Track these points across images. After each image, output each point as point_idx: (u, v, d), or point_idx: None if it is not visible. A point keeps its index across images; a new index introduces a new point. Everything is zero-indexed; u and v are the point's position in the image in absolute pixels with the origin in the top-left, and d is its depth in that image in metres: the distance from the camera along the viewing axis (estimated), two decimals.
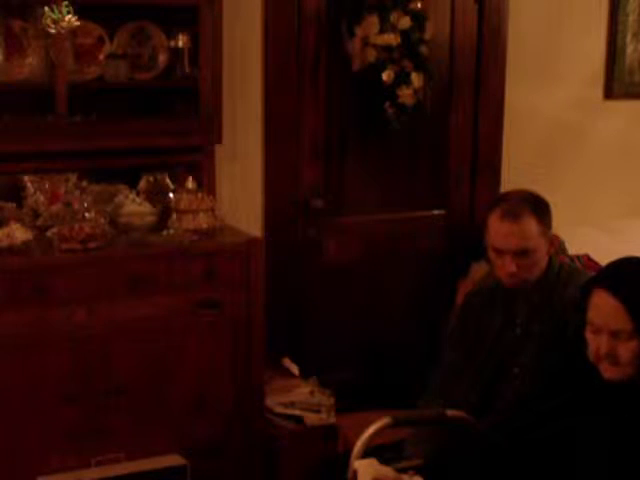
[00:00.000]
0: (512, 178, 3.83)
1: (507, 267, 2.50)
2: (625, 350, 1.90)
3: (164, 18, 3.19)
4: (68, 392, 2.82)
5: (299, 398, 3.30)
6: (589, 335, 1.96)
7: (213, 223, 3.06)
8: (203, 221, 3.02)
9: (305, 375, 3.47)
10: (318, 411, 3.29)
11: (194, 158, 3.25)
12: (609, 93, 4.12)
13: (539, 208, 2.53)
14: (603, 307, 1.92)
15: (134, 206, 3.05)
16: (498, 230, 2.51)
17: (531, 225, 2.49)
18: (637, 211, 4.17)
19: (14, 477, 2.80)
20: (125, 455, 2.90)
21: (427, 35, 3.54)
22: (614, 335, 1.91)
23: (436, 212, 3.91)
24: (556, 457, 1.99)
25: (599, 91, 4.12)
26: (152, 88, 3.27)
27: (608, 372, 1.94)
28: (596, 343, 1.94)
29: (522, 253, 2.49)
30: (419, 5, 3.50)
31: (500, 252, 2.52)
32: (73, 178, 3.10)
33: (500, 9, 3.82)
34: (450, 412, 2.42)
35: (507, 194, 2.65)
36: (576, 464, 1.95)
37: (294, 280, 3.65)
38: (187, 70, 3.17)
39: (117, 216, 3.04)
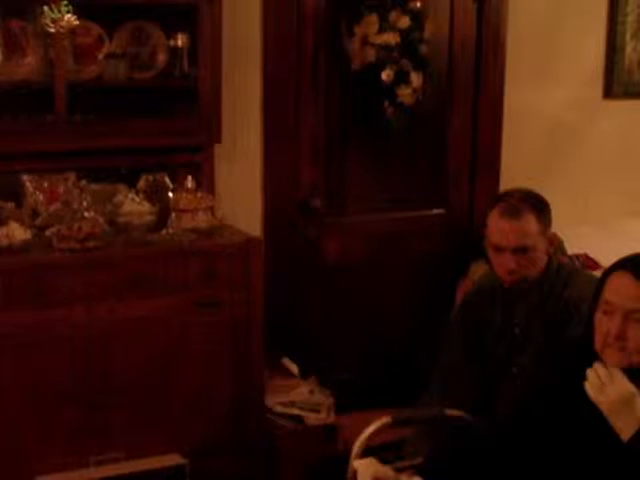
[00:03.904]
0: (511, 177, 3.82)
1: (506, 264, 2.50)
2: (635, 333, 1.90)
3: (163, 18, 3.19)
4: (68, 392, 2.82)
5: (299, 398, 3.31)
6: (600, 318, 1.96)
7: (212, 223, 3.06)
8: (202, 221, 3.02)
9: (305, 375, 3.48)
10: (318, 411, 3.29)
11: (193, 158, 3.25)
12: (608, 93, 4.12)
13: (539, 207, 2.54)
14: (622, 286, 1.93)
15: (133, 205, 3.05)
16: (498, 227, 2.52)
17: (531, 223, 2.50)
18: (637, 211, 4.17)
19: (13, 477, 2.80)
20: (124, 455, 2.90)
21: (426, 34, 3.54)
22: (627, 316, 1.90)
23: (435, 212, 3.91)
24: (554, 457, 1.99)
25: (598, 91, 4.11)
26: (151, 88, 3.26)
27: (613, 358, 1.93)
28: (606, 326, 1.93)
29: (521, 250, 2.49)
30: (418, 4, 3.50)
31: (499, 249, 2.52)
32: (72, 178, 3.10)
33: (500, 9, 3.82)
34: (450, 412, 2.43)
35: (508, 192, 2.65)
36: (574, 465, 1.95)
37: (293, 280, 3.65)
38: (186, 70, 3.17)
39: (116, 215, 3.05)
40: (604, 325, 1.94)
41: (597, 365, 1.93)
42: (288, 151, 3.57)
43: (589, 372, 1.94)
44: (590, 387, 1.93)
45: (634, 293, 1.91)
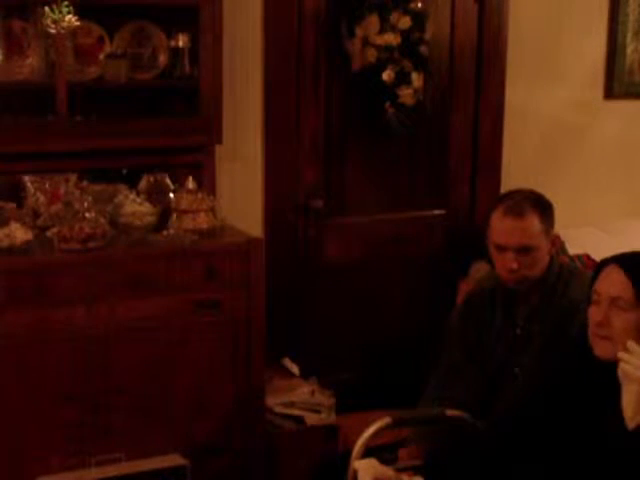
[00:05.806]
0: (512, 178, 3.83)
1: (508, 263, 2.50)
2: (619, 321, 1.93)
3: (164, 18, 3.19)
4: (68, 392, 2.82)
5: (299, 398, 3.31)
6: (590, 310, 2.00)
7: (213, 223, 3.06)
8: (203, 221, 3.02)
9: (305, 375, 3.47)
10: (318, 411, 3.29)
11: (194, 158, 3.25)
12: (609, 93, 4.12)
13: (542, 207, 2.54)
14: (608, 276, 1.98)
15: (134, 206, 3.05)
16: (500, 226, 2.52)
17: (533, 222, 2.50)
18: (637, 211, 4.17)
19: (14, 477, 2.80)
20: (125, 455, 2.90)
21: (427, 35, 3.54)
22: (612, 302, 1.95)
23: (436, 212, 3.91)
24: (554, 457, 1.99)
25: (599, 91, 4.12)
26: (152, 88, 3.27)
27: (600, 348, 1.97)
28: (594, 315, 1.98)
29: (523, 250, 2.49)
30: (419, 5, 3.50)
31: (502, 248, 2.52)
32: (73, 178, 3.10)
33: (500, 9, 3.82)
34: (450, 412, 2.42)
35: (510, 192, 2.65)
36: (574, 465, 1.95)
37: (294, 280, 3.65)
38: (187, 70, 3.17)
39: (117, 216, 3.04)
40: (592, 315, 1.99)
41: (630, 343, 1.92)
42: (289, 152, 3.57)
43: (622, 354, 1.90)
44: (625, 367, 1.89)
45: (619, 282, 1.95)
